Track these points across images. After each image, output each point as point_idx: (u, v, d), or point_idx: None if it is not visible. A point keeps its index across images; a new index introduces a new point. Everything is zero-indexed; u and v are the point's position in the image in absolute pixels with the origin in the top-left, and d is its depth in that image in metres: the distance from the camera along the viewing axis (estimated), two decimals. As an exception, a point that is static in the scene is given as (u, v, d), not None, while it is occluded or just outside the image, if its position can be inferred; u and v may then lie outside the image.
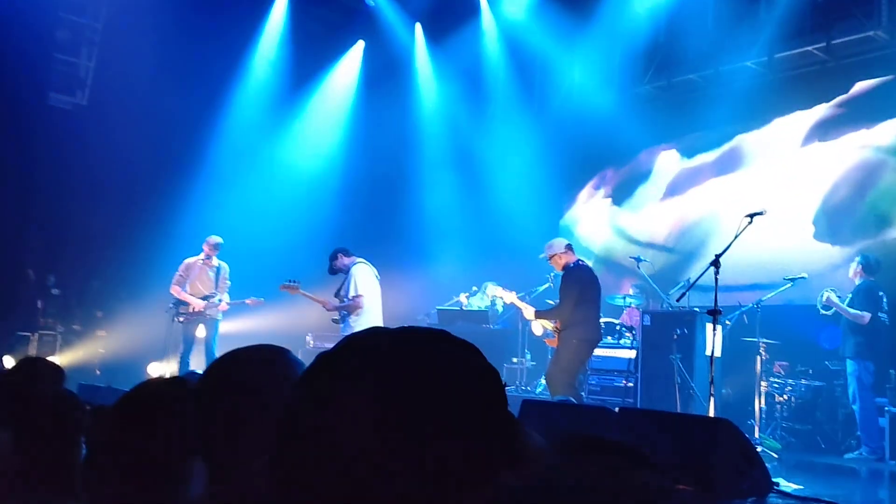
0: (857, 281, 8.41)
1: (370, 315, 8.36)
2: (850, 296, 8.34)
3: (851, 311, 8.16)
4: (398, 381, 0.84)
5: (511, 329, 11.56)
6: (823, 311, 8.44)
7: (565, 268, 7.67)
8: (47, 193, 11.09)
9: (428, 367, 0.86)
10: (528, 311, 7.94)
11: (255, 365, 1.57)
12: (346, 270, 8.42)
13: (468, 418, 0.85)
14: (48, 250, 11.61)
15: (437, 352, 0.89)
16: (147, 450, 1.67)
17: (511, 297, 8.36)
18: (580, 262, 7.78)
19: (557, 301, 7.73)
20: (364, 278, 8.35)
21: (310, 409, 0.86)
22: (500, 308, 11.53)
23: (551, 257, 7.72)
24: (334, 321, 8.57)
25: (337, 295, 8.46)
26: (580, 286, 7.54)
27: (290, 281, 8.50)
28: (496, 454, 0.87)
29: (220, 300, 9.58)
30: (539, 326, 7.86)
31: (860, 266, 8.44)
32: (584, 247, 12.61)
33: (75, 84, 11.79)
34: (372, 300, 8.41)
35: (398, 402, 0.83)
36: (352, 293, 8.26)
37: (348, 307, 8.29)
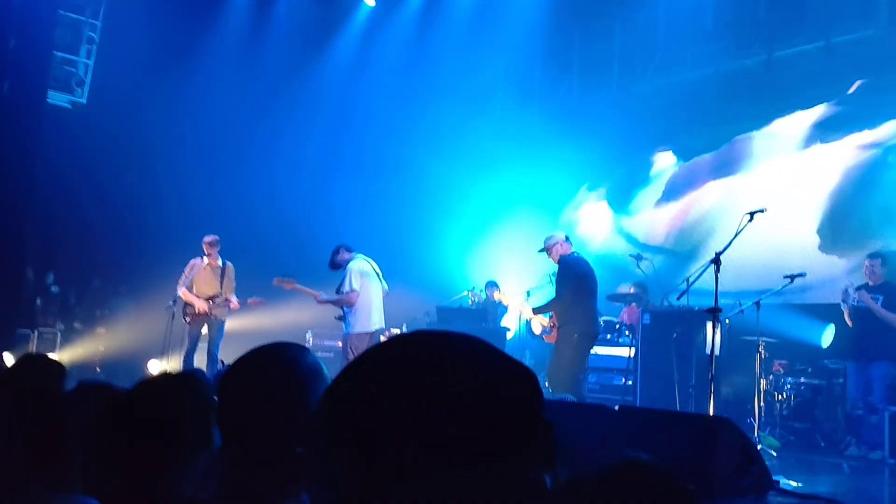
0: (873, 281, 8.20)
1: (368, 311, 8.40)
2: (880, 297, 8.05)
3: (887, 313, 7.90)
4: (434, 390, 0.84)
5: (509, 327, 11.55)
6: (844, 306, 8.25)
7: (561, 259, 7.68)
8: (46, 191, 11.06)
9: (465, 377, 0.86)
10: (526, 311, 7.96)
11: (278, 363, 1.59)
12: (345, 266, 8.48)
13: (504, 423, 0.85)
14: (47, 248, 11.61)
15: (471, 359, 0.89)
16: (153, 443, 1.68)
17: (513, 301, 8.41)
18: (576, 254, 7.81)
19: (554, 295, 7.74)
20: (359, 274, 8.39)
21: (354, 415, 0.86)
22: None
23: (550, 248, 7.74)
24: (337, 318, 8.62)
25: (338, 291, 8.52)
26: (577, 277, 7.57)
27: (283, 276, 8.59)
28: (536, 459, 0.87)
29: (225, 300, 9.54)
30: (538, 325, 7.86)
31: (881, 264, 8.20)
32: (584, 245, 12.60)
33: (74, 82, 11.78)
34: (369, 296, 8.43)
35: (434, 411, 0.82)
36: (346, 288, 8.33)
37: (339, 301, 8.40)
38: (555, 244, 7.74)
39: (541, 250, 7.91)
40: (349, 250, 8.59)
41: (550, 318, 7.68)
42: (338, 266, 8.55)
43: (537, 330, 8.00)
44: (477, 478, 0.81)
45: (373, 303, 8.46)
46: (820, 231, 10.26)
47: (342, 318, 8.51)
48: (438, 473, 0.80)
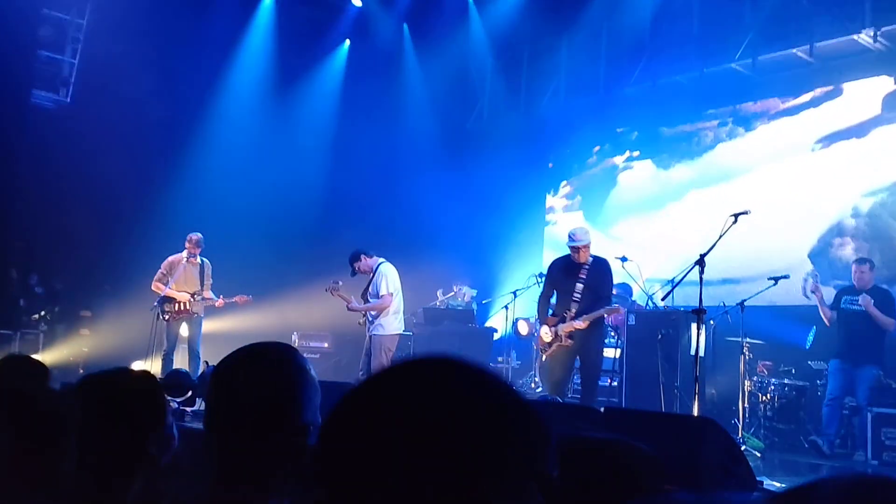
0: (860, 286, 8.22)
1: (397, 315, 8.36)
2: (871, 299, 8.06)
3: (883, 316, 7.95)
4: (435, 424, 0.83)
5: (496, 328, 11.58)
6: (821, 306, 8.28)
7: (600, 259, 7.71)
8: (30, 191, 10.99)
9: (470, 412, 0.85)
10: (577, 323, 7.46)
11: (266, 362, 1.60)
12: (373, 270, 8.36)
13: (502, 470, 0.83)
14: (31, 248, 11.52)
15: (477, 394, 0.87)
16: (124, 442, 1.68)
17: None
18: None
19: (595, 293, 7.59)
20: (393, 277, 8.33)
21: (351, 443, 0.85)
22: (474, 308, 11.59)
23: (584, 247, 7.60)
24: (361, 323, 8.45)
25: (364, 295, 8.40)
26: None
27: (333, 282, 8.43)
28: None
29: (202, 298, 9.51)
30: (525, 326, 7.82)
31: (872, 270, 8.25)
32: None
33: (59, 81, 11.70)
34: (400, 299, 8.43)
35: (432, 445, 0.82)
36: (382, 291, 8.19)
37: (375, 306, 8.22)
38: (589, 243, 7.65)
39: (572, 244, 7.62)
40: (370, 255, 8.43)
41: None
42: (362, 271, 8.41)
43: (524, 331, 7.96)
44: None
45: (401, 307, 8.47)
46: (805, 235, 10.32)
47: (368, 321, 8.34)
48: None
